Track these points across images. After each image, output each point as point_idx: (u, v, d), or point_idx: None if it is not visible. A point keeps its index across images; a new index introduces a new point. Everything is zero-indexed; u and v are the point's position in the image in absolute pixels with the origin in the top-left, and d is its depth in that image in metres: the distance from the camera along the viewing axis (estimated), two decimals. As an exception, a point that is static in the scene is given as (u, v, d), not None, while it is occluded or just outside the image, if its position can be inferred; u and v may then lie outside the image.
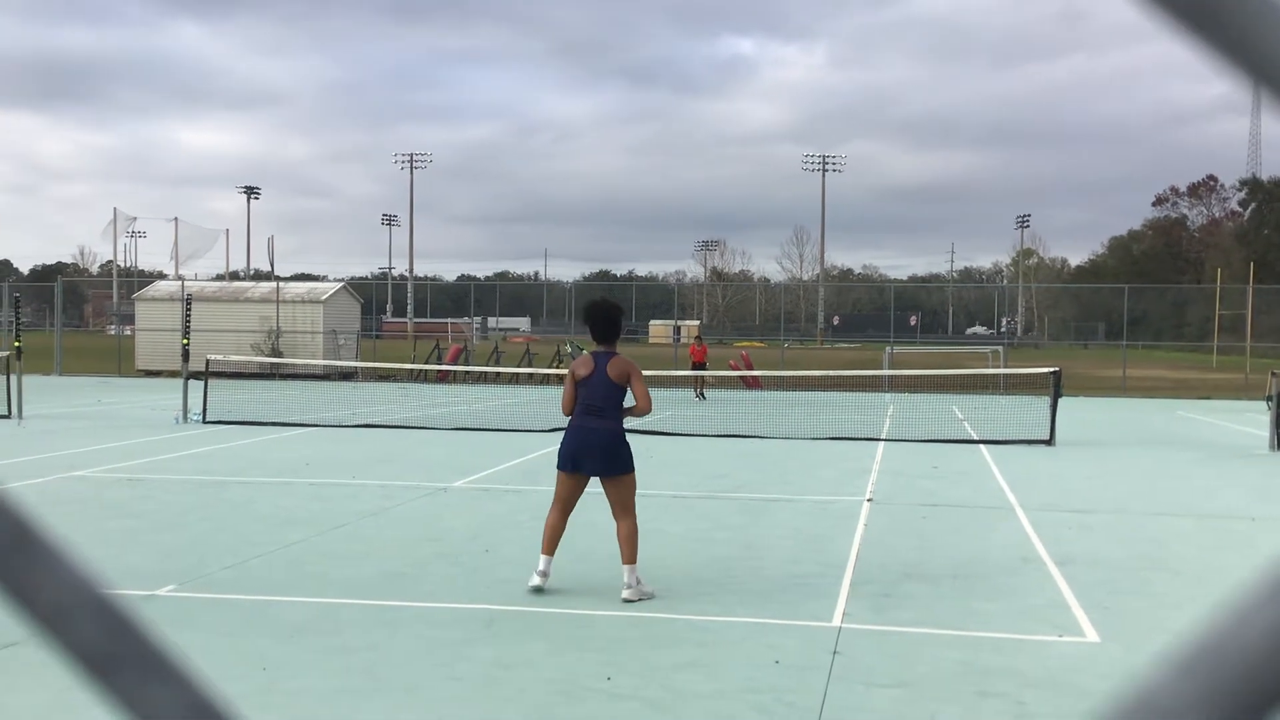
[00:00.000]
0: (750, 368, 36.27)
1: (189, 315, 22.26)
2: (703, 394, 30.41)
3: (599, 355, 8.10)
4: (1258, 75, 0.42)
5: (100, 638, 0.44)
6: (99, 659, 0.45)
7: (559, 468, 8.09)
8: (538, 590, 7.87)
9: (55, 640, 0.45)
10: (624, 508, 7.99)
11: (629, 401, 8.15)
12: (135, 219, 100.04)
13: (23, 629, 5.97)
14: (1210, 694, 0.43)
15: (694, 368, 30.02)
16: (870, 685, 6.01)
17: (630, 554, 7.86)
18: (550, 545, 8.00)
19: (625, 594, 7.74)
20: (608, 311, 8.21)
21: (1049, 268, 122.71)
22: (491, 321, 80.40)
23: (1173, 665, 0.44)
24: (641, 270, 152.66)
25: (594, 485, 8.27)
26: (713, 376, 30.96)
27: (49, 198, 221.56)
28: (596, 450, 7.91)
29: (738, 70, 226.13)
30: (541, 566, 7.94)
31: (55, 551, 0.46)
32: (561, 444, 8.14)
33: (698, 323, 74.32)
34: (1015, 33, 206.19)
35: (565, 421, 8.35)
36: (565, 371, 8.37)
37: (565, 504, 8.09)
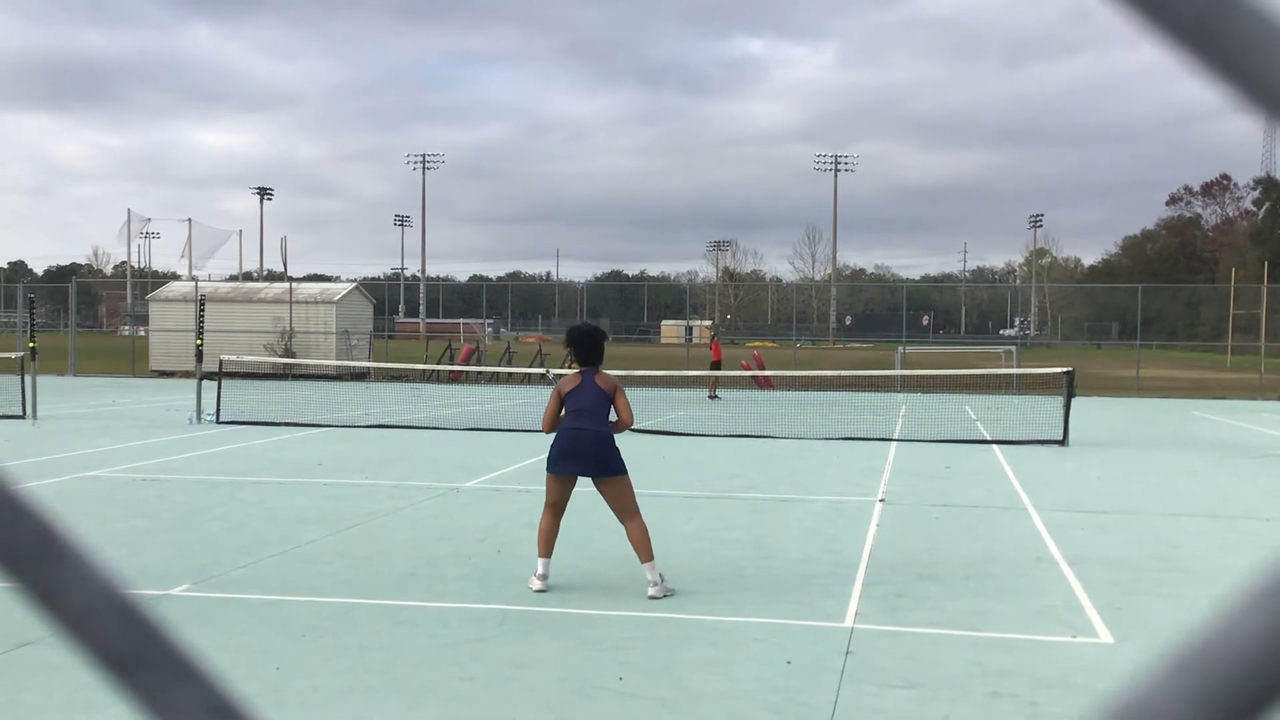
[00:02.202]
0: (762, 367, 36.24)
1: (202, 316, 22.34)
2: (715, 394, 30.32)
3: (585, 372, 8.28)
4: (1273, 111, 0.43)
5: (125, 640, 0.45)
6: (124, 661, 0.46)
7: (548, 470, 8.19)
8: (539, 593, 7.94)
9: (81, 643, 0.46)
10: (625, 510, 8.06)
11: (613, 416, 8.28)
12: (149, 220, 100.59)
13: (39, 629, 5.99)
14: (1202, 697, 0.43)
15: (712, 366, 29.82)
16: (882, 686, 6.00)
17: (646, 553, 7.95)
18: (546, 548, 8.08)
19: (651, 591, 7.85)
20: (591, 335, 8.42)
21: (1062, 267, 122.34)
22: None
23: (1164, 668, 0.44)
24: (653, 270, 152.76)
25: (589, 484, 8.28)
26: (716, 376, 30.80)
27: (64, 199, 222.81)
28: (587, 451, 8.01)
29: (748, 70, 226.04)
30: (540, 570, 8.02)
31: (80, 555, 0.47)
32: (552, 447, 8.23)
33: (710, 321, 74.10)
34: (1026, 32, 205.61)
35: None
36: (571, 371, 8.50)
37: (556, 507, 8.18)
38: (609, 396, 8.14)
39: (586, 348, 8.32)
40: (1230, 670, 0.43)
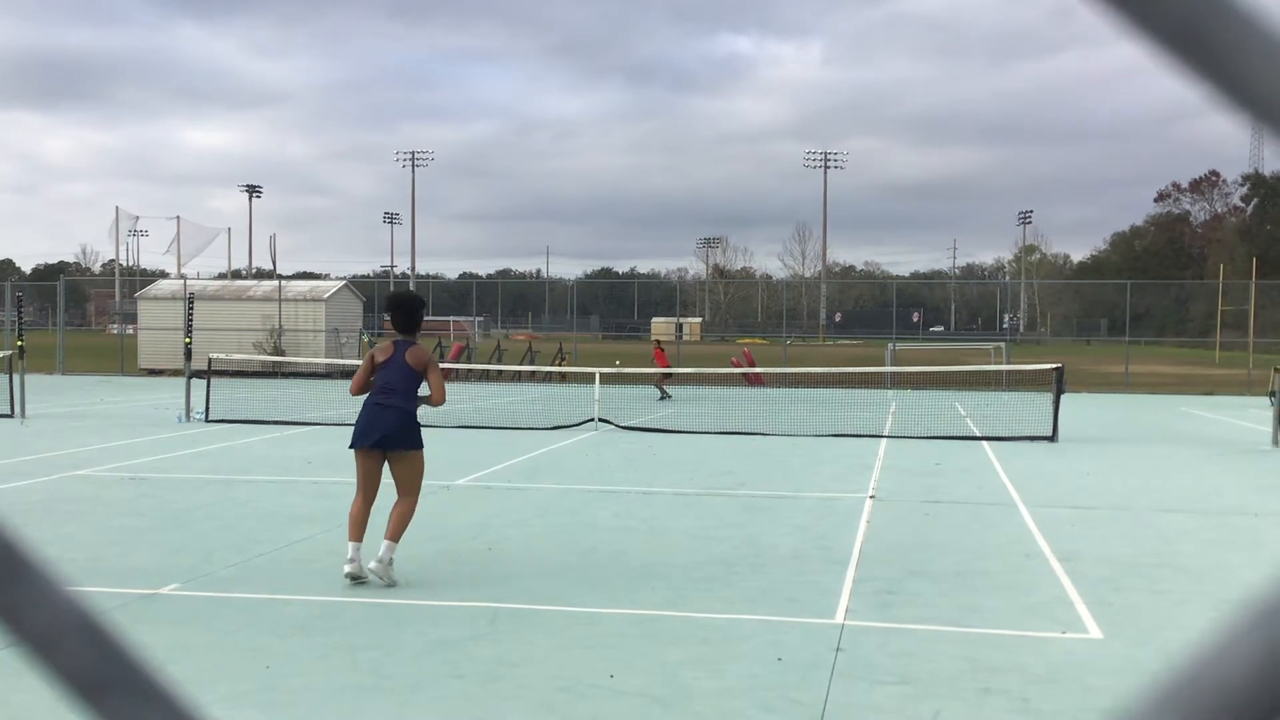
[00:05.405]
0: (753, 364, 36.26)
1: (191, 314, 22.26)
2: (664, 393, 30.75)
3: (399, 343, 8.32)
4: (1261, 116, 0.42)
5: (89, 662, 0.44)
6: (88, 683, 0.45)
7: (351, 446, 8.23)
8: (353, 579, 7.86)
9: (44, 663, 0.44)
10: (408, 488, 8.13)
11: (424, 391, 8.31)
12: (138, 218, 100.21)
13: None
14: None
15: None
16: (873, 682, 6.00)
17: (394, 531, 7.97)
18: (357, 532, 8.04)
19: (371, 564, 7.83)
20: (408, 303, 8.49)
21: (1051, 264, 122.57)
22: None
23: (1153, 697, 0.43)
24: (644, 268, 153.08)
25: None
26: (681, 376, 30.93)
27: (52, 197, 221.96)
28: (387, 424, 8.04)
29: (735, 68, 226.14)
30: (350, 554, 7.95)
31: (43, 574, 0.46)
32: (355, 424, 8.27)
33: (700, 320, 74.07)
34: (1013, 29, 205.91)
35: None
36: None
37: (366, 488, 8.17)
38: (419, 374, 8.18)
39: (404, 316, 8.37)
40: (1218, 700, 0.42)
